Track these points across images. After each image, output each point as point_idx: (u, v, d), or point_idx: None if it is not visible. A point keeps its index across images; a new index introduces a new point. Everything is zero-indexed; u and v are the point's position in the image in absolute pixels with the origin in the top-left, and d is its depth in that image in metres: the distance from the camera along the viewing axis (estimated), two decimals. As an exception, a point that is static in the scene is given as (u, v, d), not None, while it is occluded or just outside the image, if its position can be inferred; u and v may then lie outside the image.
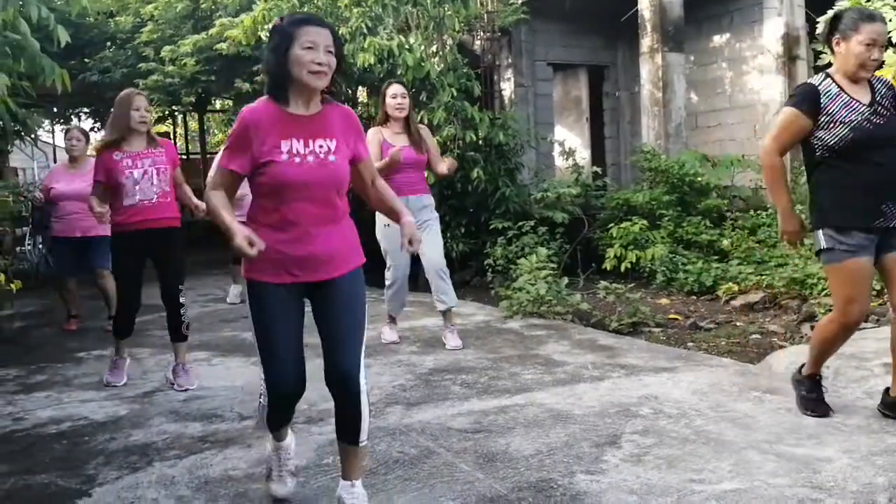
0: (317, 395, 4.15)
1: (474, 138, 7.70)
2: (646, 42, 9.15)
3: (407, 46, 7.50)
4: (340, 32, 7.76)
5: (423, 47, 7.74)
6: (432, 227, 5.25)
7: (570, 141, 10.28)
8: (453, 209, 8.42)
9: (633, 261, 7.32)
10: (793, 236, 3.51)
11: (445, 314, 5.32)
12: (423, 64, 7.54)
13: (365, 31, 7.67)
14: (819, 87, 3.38)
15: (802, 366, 3.67)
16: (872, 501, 2.62)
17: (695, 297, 6.74)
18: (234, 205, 2.63)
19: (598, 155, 11.92)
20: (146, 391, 4.45)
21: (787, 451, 3.09)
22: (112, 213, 4.55)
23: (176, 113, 17.30)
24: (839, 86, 3.37)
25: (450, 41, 8.20)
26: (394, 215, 2.81)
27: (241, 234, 2.40)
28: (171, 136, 18.79)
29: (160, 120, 16.76)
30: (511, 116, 8.76)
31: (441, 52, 8.02)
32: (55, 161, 17.76)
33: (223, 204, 2.55)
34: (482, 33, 10.41)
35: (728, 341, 5.25)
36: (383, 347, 5.27)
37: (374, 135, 5.12)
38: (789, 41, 9.33)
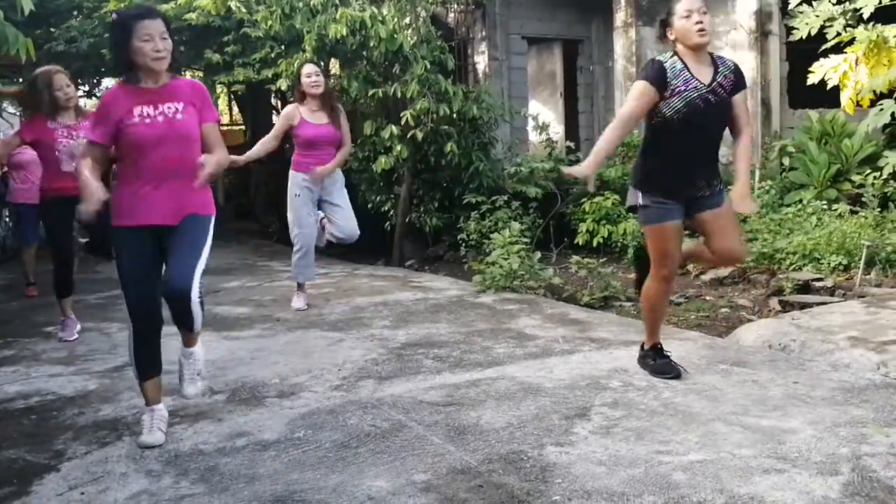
0: (288, 369, 4.17)
1: (448, 112, 7.66)
2: (620, 16, 9.14)
3: (380, 18, 7.41)
4: (312, 3, 7.66)
5: (396, 19, 7.65)
6: (345, 197, 5.78)
7: (544, 115, 10.25)
8: (426, 183, 8.39)
9: (606, 236, 7.37)
10: (581, 175, 3.52)
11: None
12: (396, 36, 7.47)
13: (337, 1, 7.56)
14: (665, 64, 3.58)
15: (643, 346, 3.90)
16: (835, 471, 2.67)
17: (666, 272, 6.79)
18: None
19: (571, 130, 11.89)
20: (116, 366, 4.41)
21: (753, 423, 3.14)
22: (44, 180, 4.89)
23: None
24: (684, 63, 3.60)
25: (423, 13, 8.11)
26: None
27: (93, 186, 2.93)
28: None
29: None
30: (485, 90, 8.72)
31: (414, 24, 7.93)
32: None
33: (88, 167, 3.03)
34: (456, 5, 10.31)
35: (697, 315, 5.31)
36: (356, 322, 5.26)
37: (288, 111, 5.68)
38: (762, 16, 9.32)
